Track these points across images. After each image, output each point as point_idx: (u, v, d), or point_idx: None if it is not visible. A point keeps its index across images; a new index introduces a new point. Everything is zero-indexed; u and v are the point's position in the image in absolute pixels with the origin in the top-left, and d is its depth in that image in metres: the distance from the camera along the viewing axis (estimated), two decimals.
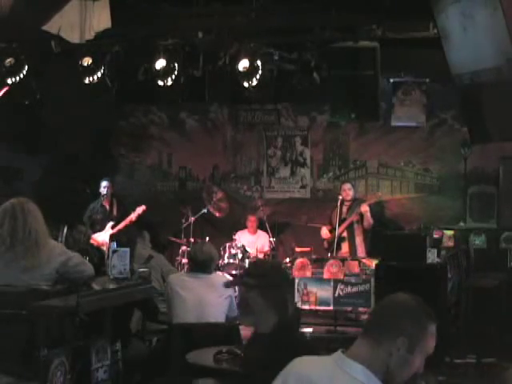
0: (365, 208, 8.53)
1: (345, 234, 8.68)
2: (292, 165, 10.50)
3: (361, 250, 8.60)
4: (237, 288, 3.24)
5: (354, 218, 8.60)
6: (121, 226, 8.84)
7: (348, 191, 8.75)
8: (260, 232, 9.62)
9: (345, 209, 8.75)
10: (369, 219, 8.54)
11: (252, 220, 9.59)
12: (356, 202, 8.78)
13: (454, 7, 5.89)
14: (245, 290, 3.10)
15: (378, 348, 2.07)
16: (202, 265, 5.02)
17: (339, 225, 8.57)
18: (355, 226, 8.66)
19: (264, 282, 3.05)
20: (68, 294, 3.96)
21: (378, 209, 8.96)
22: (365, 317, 7.19)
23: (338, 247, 8.58)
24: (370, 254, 8.35)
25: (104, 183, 9.16)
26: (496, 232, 8.66)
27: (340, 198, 8.73)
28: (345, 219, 8.66)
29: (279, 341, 2.91)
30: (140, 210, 8.85)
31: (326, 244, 8.80)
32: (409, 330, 2.07)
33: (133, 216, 8.81)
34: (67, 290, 4.01)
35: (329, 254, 8.36)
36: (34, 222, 4.02)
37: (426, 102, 9.22)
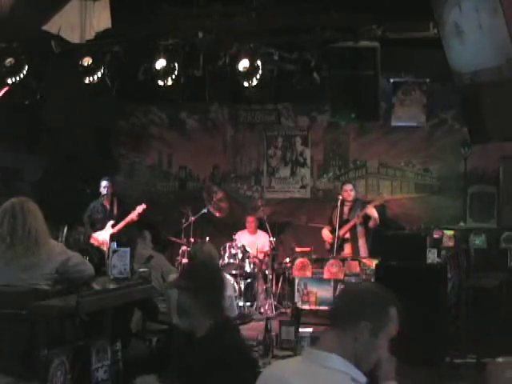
0: (371, 210, 8.48)
1: (347, 236, 8.65)
2: (292, 165, 10.50)
3: (363, 251, 8.56)
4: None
5: (356, 220, 8.55)
6: (121, 224, 8.84)
7: (350, 192, 8.72)
8: (260, 232, 9.61)
9: (346, 209, 8.72)
10: (376, 219, 8.48)
11: (250, 221, 9.58)
12: (357, 202, 8.76)
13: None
14: (180, 293, 3.10)
15: (344, 335, 2.14)
16: None
17: (341, 225, 8.55)
18: (358, 227, 8.62)
19: (194, 284, 3.04)
20: (68, 294, 3.96)
21: (378, 209, 8.95)
22: None
23: (341, 248, 8.56)
24: (370, 254, 8.34)
25: (104, 183, 9.14)
26: (496, 232, 8.66)
27: (340, 198, 8.69)
28: (347, 220, 8.64)
29: (214, 344, 2.90)
30: (140, 208, 8.84)
31: (327, 245, 8.76)
32: (370, 315, 2.14)
33: (133, 215, 8.80)
34: (67, 290, 4.01)
35: (331, 256, 8.35)
36: (33, 221, 4.02)
37: (425, 102, 9.21)
